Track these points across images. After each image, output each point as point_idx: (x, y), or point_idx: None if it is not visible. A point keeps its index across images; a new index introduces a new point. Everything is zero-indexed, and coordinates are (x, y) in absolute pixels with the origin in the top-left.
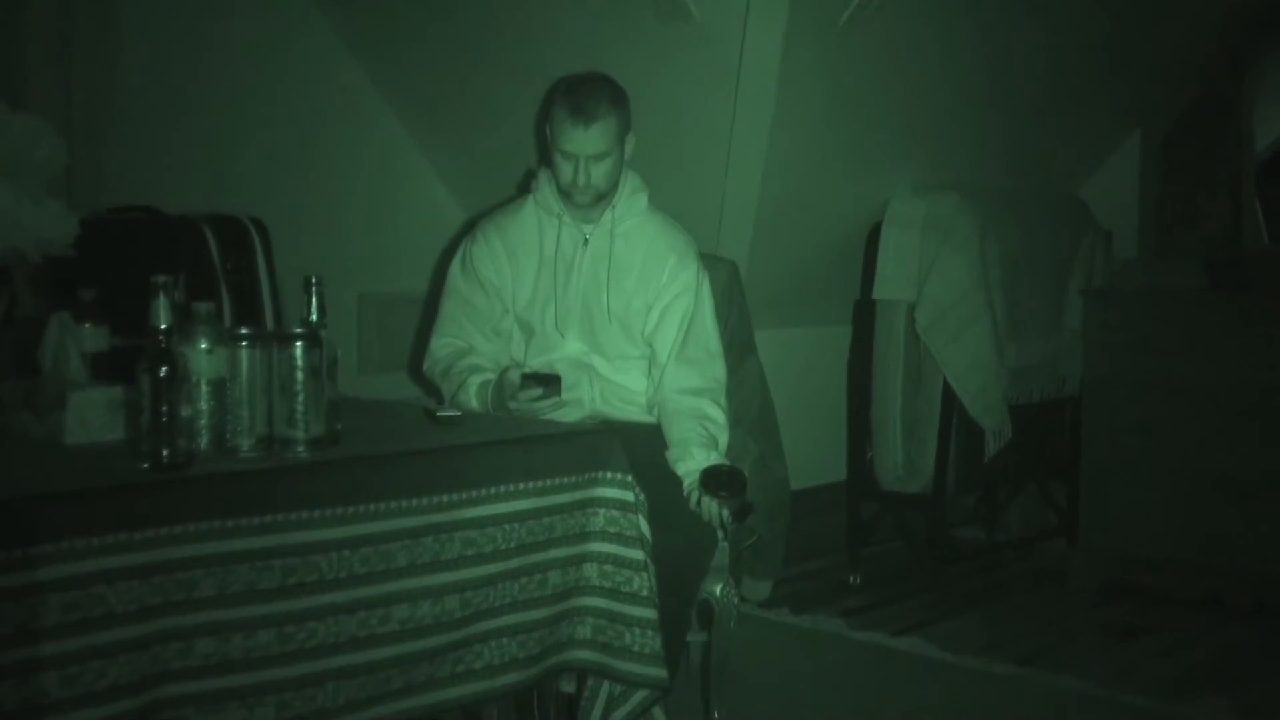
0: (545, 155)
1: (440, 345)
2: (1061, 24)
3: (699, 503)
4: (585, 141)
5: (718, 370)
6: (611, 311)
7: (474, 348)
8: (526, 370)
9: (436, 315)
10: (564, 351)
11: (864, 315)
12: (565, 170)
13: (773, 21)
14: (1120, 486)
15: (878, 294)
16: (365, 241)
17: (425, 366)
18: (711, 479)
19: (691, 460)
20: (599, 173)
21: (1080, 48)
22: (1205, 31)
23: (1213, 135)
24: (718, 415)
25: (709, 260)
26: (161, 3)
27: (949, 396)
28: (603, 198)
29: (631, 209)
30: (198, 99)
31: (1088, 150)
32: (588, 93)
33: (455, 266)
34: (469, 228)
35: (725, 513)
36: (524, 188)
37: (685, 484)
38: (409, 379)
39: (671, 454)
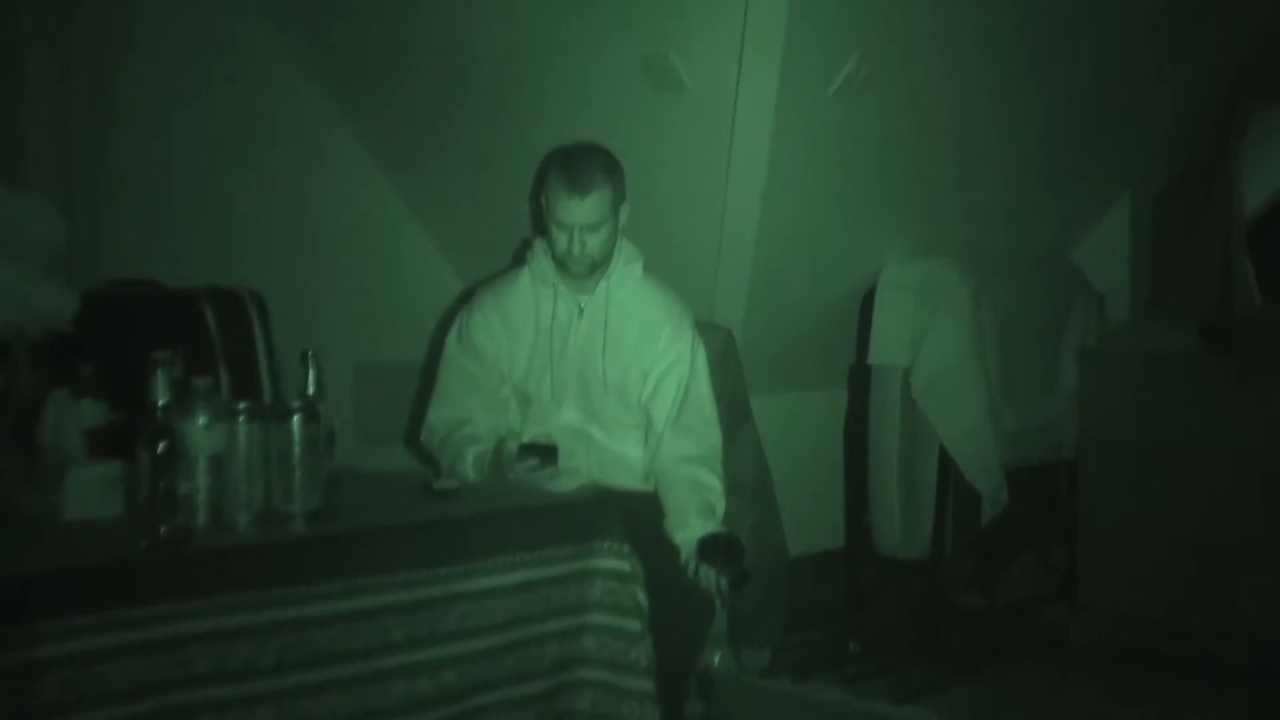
0: (540, 225)
1: (437, 416)
2: (1051, 89)
3: (697, 571)
4: (580, 212)
5: (714, 437)
6: (608, 380)
7: (471, 418)
8: (524, 441)
9: (433, 386)
10: (561, 421)
11: (860, 380)
12: (560, 240)
13: (764, 91)
14: (1118, 549)
15: (873, 359)
16: (362, 311)
17: (423, 437)
18: (709, 547)
19: (689, 528)
20: (594, 242)
21: (1070, 112)
22: (1193, 95)
23: (1202, 197)
24: (714, 483)
25: (704, 327)
26: (158, 80)
27: (946, 461)
28: (598, 267)
29: (626, 278)
30: (195, 174)
31: (1079, 213)
32: (582, 163)
33: (452, 337)
34: (466, 297)
35: (723, 581)
36: (519, 258)
37: (683, 552)
38: (406, 449)
39: (669, 522)
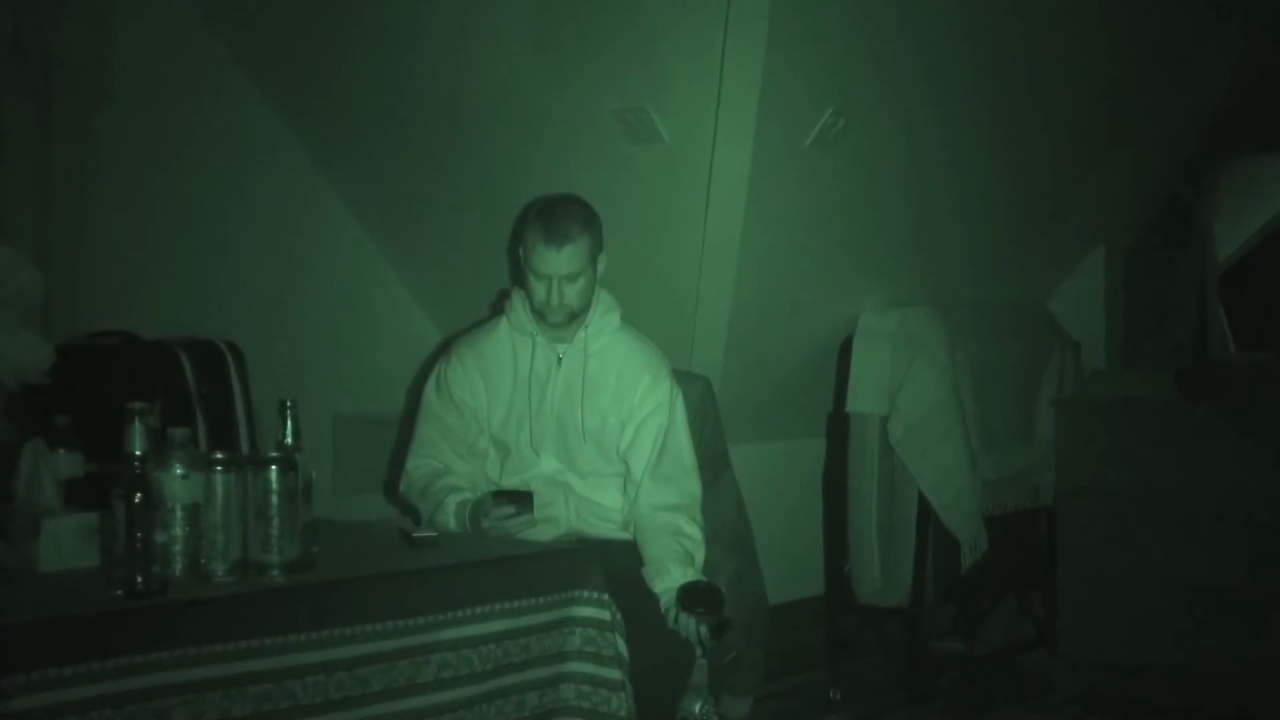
0: (518, 276)
1: (416, 466)
2: (1026, 139)
3: (676, 620)
4: (558, 262)
5: (693, 486)
6: (586, 430)
7: (450, 468)
8: (498, 489)
9: (412, 436)
10: (539, 470)
11: (838, 428)
12: (539, 290)
13: (741, 143)
14: (1098, 596)
15: (851, 407)
16: (340, 362)
17: (402, 488)
18: (689, 596)
19: (668, 577)
20: (572, 293)
21: (1044, 163)
22: (1168, 145)
23: (1177, 245)
24: (694, 531)
25: (682, 376)
26: (137, 132)
27: (924, 508)
28: (576, 317)
29: (604, 328)
30: (172, 225)
31: (1054, 263)
32: (560, 215)
33: (430, 388)
34: (444, 347)
35: (703, 629)
36: (497, 308)
37: (662, 601)
38: (385, 499)
39: (648, 571)
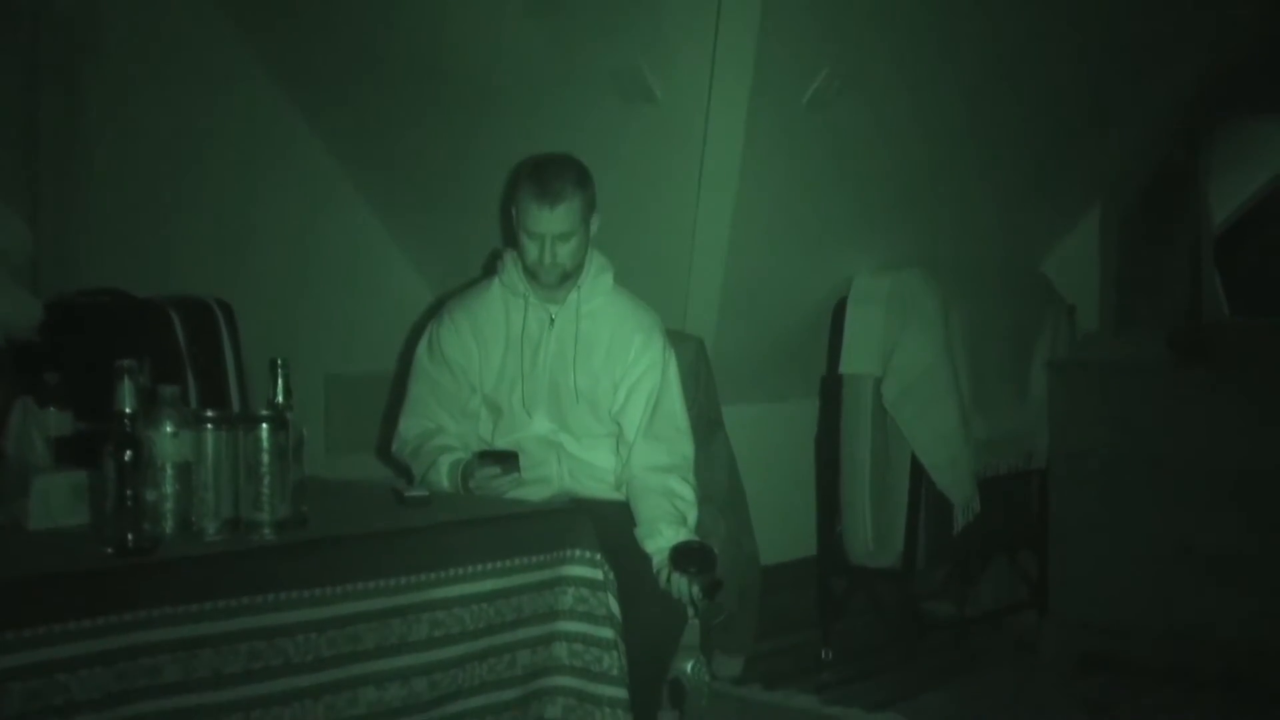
0: (511, 236)
1: (409, 426)
2: (1021, 102)
3: (669, 580)
4: (551, 222)
5: (685, 447)
6: (579, 390)
7: (443, 428)
8: (484, 449)
9: (404, 397)
10: (531, 430)
11: (831, 390)
12: (531, 250)
13: (735, 102)
14: (1089, 558)
15: (844, 369)
16: (332, 322)
17: (394, 448)
18: (681, 556)
19: (660, 538)
20: (565, 252)
21: (1039, 124)
22: (1162, 107)
23: (1171, 209)
24: (686, 492)
25: (675, 337)
26: (127, 87)
27: (917, 470)
28: (569, 277)
29: (597, 288)
30: (164, 182)
31: (1048, 225)
32: (553, 173)
33: (422, 348)
34: (436, 307)
35: (695, 589)
36: (489, 269)
37: (655, 561)
38: (377, 459)
39: (640, 531)
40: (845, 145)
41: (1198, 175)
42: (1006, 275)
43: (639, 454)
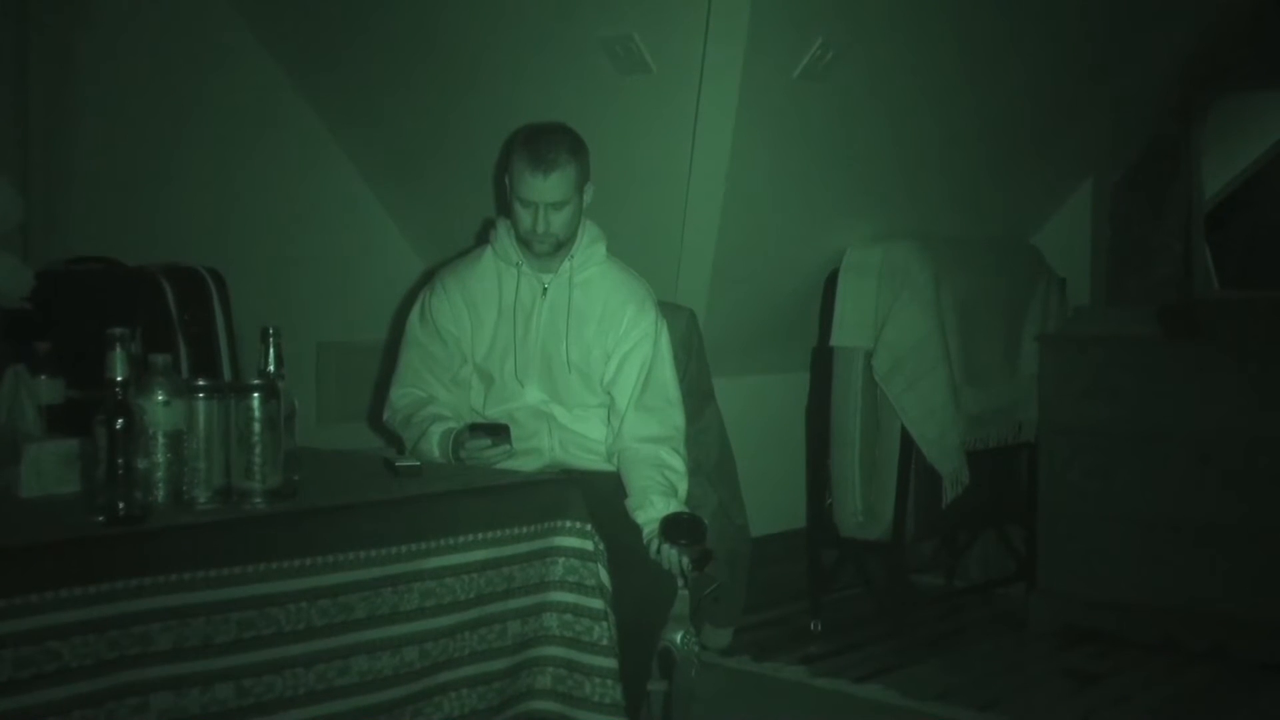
0: (503, 205)
1: (400, 395)
2: (1013, 75)
3: (659, 551)
4: (545, 190)
5: (677, 418)
6: (571, 361)
7: (434, 397)
8: (475, 420)
9: (396, 365)
10: (523, 401)
11: (822, 362)
12: (525, 218)
13: (728, 74)
14: (1077, 531)
15: (835, 341)
16: (323, 291)
17: (385, 417)
18: (672, 527)
19: (651, 508)
20: (558, 221)
21: (1032, 98)
22: (1154, 81)
23: (1163, 182)
24: (677, 463)
25: (667, 308)
26: (118, 55)
27: (907, 443)
28: (562, 246)
29: (590, 258)
30: (155, 150)
31: (1040, 198)
32: (547, 142)
33: (414, 317)
34: (427, 277)
35: (685, 560)
36: (482, 238)
37: (645, 532)
38: (368, 428)
39: (631, 502)
40: (838, 117)
41: (1189, 149)
42: (998, 248)
43: (630, 425)
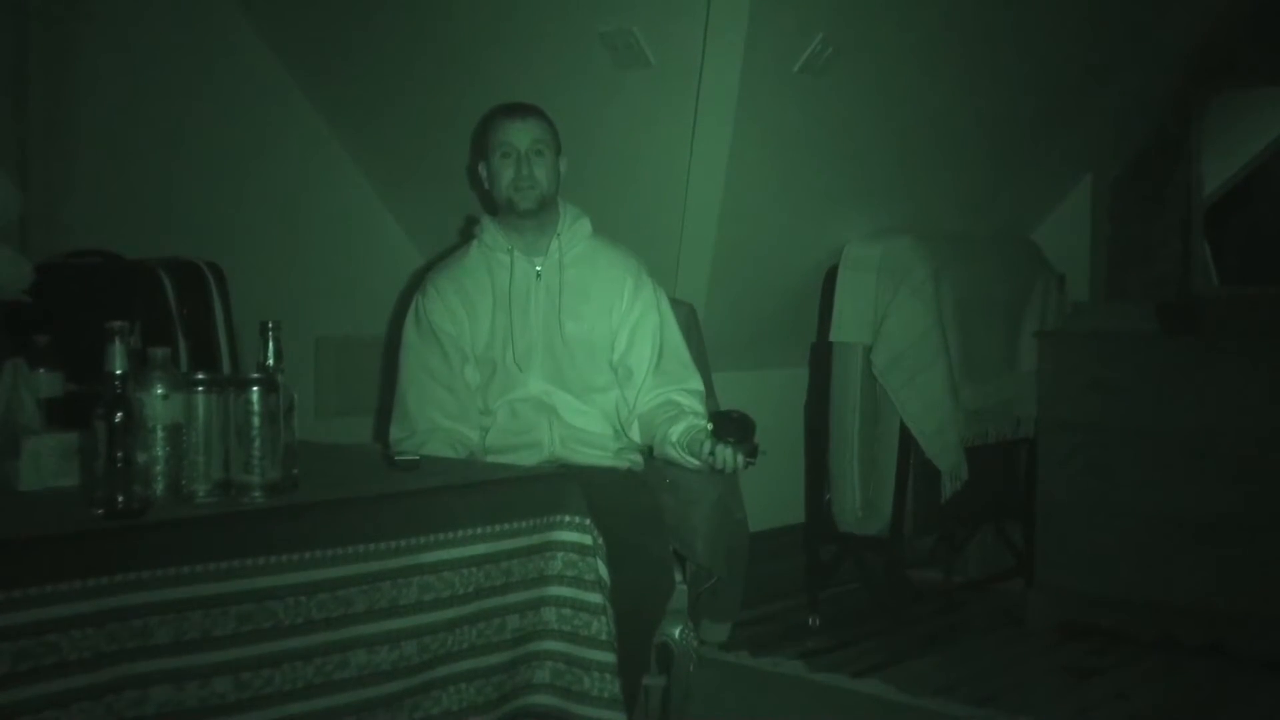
0: (486, 203)
1: (401, 432)
2: (1013, 71)
3: (712, 452)
4: (523, 131)
5: (695, 381)
6: (572, 338)
7: (435, 429)
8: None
9: (396, 390)
10: (526, 391)
11: (821, 358)
12: (507, 170)
13: (728, 68)
14: (1076, 527)
15: (834, 336)
16: (323, 285)
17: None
18: (723, 424)
19: (685, 420)
20: (540, 169)
21: (1032, 94)
22: (1154, 78)
23: (1163, 178)
24: (699, 408)
25: None
26: (117, 49)
27: (906, 438)
28: (546, 203)
29: (577, 235)
30: (153, 144)
31: (1040, 194)
32: (517, 102)
33: (409, 326)
34: (424, 273)
35: (740, 457)
36: (467, 235)
37: (685, 441)
38: (367, 422)
39: (662, 433)
40: (838, 112)
41: (1189, 145)
42: (997, 244)
43: (650, 391)
